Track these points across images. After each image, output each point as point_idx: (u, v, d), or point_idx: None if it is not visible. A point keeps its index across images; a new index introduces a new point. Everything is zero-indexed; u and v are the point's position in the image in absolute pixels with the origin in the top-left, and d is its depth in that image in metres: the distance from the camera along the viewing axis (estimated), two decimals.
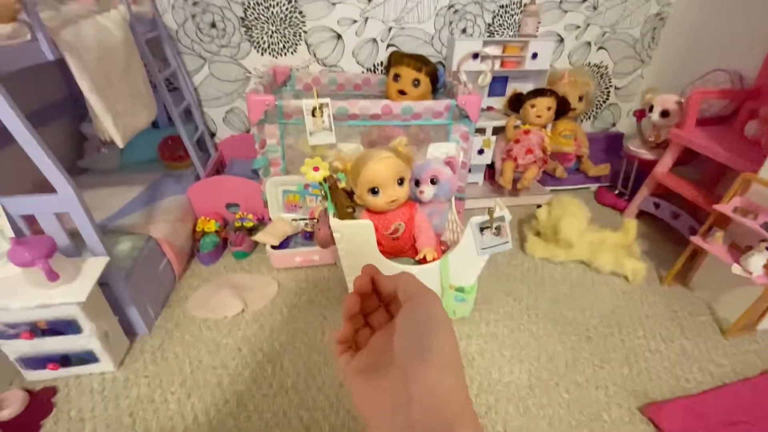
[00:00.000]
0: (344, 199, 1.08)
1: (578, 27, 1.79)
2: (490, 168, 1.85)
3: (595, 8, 1.76)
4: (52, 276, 0.82)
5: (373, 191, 1.05)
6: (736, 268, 1.08)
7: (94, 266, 0.92)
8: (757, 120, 1.31)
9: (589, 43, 1.84)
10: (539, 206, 1.56)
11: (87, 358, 0.97)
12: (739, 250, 1.12)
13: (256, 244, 1.47)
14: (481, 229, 1.00)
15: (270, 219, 1.47)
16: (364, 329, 0.32)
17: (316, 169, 1.01)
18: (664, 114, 1.53)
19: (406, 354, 0.23)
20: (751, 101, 1.40)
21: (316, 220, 1.40)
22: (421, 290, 0.27)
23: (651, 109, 1.57)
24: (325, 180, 1.03)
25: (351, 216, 1.11)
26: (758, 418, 0.94)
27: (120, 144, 1.06)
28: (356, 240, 1.01)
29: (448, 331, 0.25)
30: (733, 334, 1.14)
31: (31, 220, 0.92)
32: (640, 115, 1.71)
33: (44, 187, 0.87)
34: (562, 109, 1.64)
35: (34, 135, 0.79)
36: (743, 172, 1.13)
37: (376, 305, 0.32)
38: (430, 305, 0.25)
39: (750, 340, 1.14)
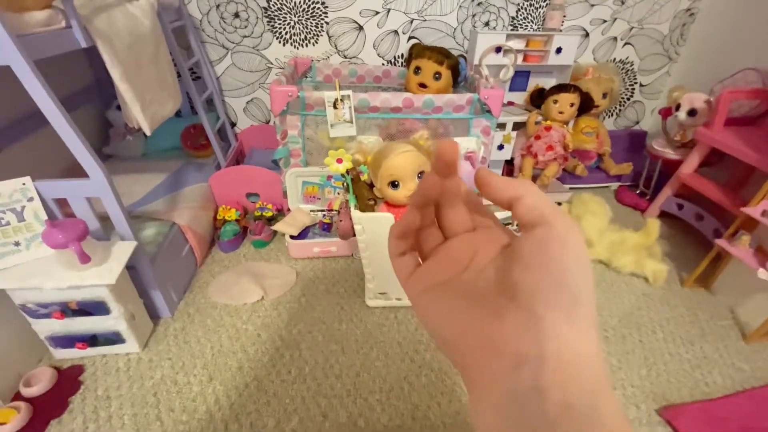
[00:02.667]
0: (366, 192, 1.08)
1: (605, 21, 1.75)
2: (509, 164, 1.84)
3: (622, 2, 1.71)
4: (84, 258, 0.85)
5: (393, 184, 1.06)
6: (762, 273, 1.05)
7: (122, 250, 0.94)
8: None
9: (615, 39, 1.80)
10: (559, 204, 1.55)
11: (114, 338, 1.00)
12: (765, 254, 1.10)
13: (275, 233, 1.49)
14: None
15: (289, 209, 1.49)
16: (432, 230, 0.24)
17: (339, 160, 1.02)
18: (692, 113, 1.49)
19: (542, 298, 0.17)
20: None
21: (337, 212, 1.42)
22: (559, 215, 0.19)
23: (678, 107, 1.53)
24: (347, 172, 1.04)
25: (372, 208, 1.11)
26: None
27: (148, 132, 1.08)
28: (377, 232, 1.02)
29: (592, 278, 0.18)
30: (756, 340, 1.12)
31: (62, 203, 0.95)
32: (665, 113, 1.67)
33: (72, 172, 0.90)
34: (586, 105, 1.61)
35: (68, 120, 0.82)
36: None
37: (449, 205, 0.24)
38: (574, 237, 0.19)
39: None
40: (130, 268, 1.02)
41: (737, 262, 1.19)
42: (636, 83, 1.95)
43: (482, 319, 0.19)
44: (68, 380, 0.97)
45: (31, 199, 0.88)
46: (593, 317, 0.18)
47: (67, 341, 0.98)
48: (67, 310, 0.92)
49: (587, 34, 1.78)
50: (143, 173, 1.47)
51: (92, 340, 0.99)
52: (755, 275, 1.06)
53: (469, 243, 0.23)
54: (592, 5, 1.71)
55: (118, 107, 1.53)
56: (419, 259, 0.25)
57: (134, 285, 1.03)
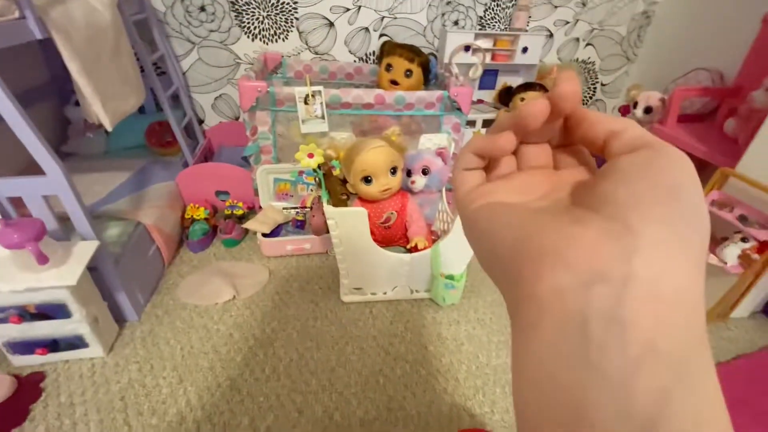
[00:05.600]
0: (338, 187, 1.09)
1: (567, 23, 1.82)
2: None
3: (584, 5, 1.79)
4: (42, 259, 0.81)
5: (366, 180, 1.07)
6: (712, 259, 1.13)
7: (83, 250, 0.90)
8: (736, 118, 1.36)
9: (577, 39, 1.88)
10: None
11: (76, 343, 0.96)
12: (715, 241, 1.18)
13: (246, 232, 1.46)
14: None
15: (260, 207, 1.47)
16: (509, 158, 0.21)
17: (310, 155, 1.02)
18: (648, 110, 1.57)
19: (642, 210, 0.14)
20: (730, 99, 1.45)
21: (309, 209, 1.41)
22: (661, 142, 0.16)
23: (635, 105, 1.61)
24: (319, 167, 1.03)
25: (345, 203, 1.12)
26: (731, 401, 0.99)
27: (108, 127, 1.05)
28: (350, 227, 1.02)
29: (706, 206, 0.15)
30: (708, 321, 1.20)
31: (17, 203, 0.90)
32: (624, 111, 1.75)
33: (28, 170, 0.86)
34: None
35: (22, 114, 0.78)
36: (721, 167, 1.18)
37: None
38: (685, 159, 0.15)
39: (724, 327, 1.20)
40: (93, 269, 0.98)
41: None
42: (597, 82, 2.04)
43: (555, 223, 0.16)
44: (28, 388, 0.92)
45: None
46: (704, 250, 0.14)
47: (26, 347, 0.93)
48: (25, 314, 0.88)
49: (551, 35, 1.84)
50: (106, 171, 1.42)
51: (53, 345, 0.95)
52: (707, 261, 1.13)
53: (549, 177, 0.20)
54: (556, 7, 1.77)
55: (77, 103, 1.46)
56: (484, 178, 0.21)
57: (97, 287, 0.99)
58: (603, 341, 0.12)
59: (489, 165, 0.21)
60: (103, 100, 1.01)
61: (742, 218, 1.09)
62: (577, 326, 0.13)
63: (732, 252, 1.09)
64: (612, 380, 0.12)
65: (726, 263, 1.10)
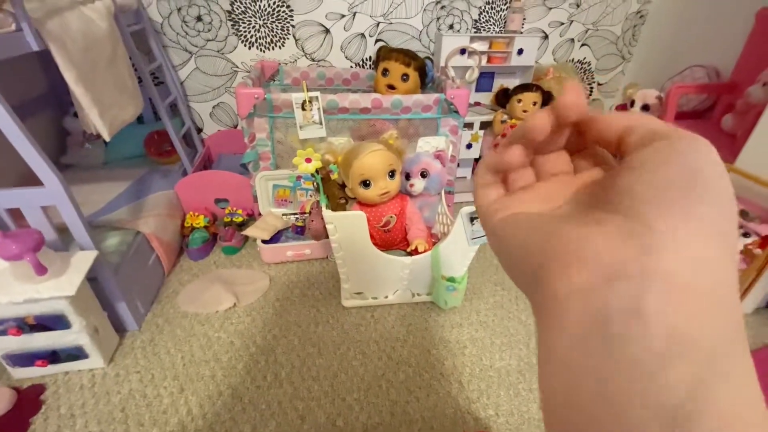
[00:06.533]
0: (337, 191, 1.09)
1: (562, 24, 1.83)
2: (477, 162, 1.88)
3: (578, 6, 1.79)
4: (41, 270, 0.80)
5: (365, 183, 1.06)
6: None
7: (82, 260, 0.90)
8: (733, 113, 1.36)
9: (572, 40, 1.88)
10: None
11: (76, 354, 0.95)
12: None
13: (246, 239, 1.46)
14: (471, 219, 1.02)
15: (260, 214, 1.47)
16: (524, 170, 0.21)
17: (308, 160, 1.02)
18: (645, 108, 1.57)
19: (658, 201, 0.14)
20: (727, 95, 1.46)
21: (308, 214, 1.41)
22: (677, 129, 0.16)
23: (632, 103, 1.61)
24: (317, 171, 1.03)
25: (343, 208, 1.12)
26: None
27: (106, 137, 1.05)
28: (349, 231, 1.02)
29: (731, 186, 0.14)
30: None
31: (16, 214, 0.90)
32: (621, 109, 1.75)
33: (26, 181, 0.86)
34: (548, 104, 1.67)
35: (20, 126, 0.78)
36: None
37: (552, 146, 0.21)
38: (704, 143, 0.15)
39: None
40: (92, 279, 0.97)
41: None
42: (594, 82, 2.04)
43: (574, 226, 0.16)
44: (29, 400, 0.91)
45: None
46: (731, 233, 0.14)
47: (26, 359, 0.93)
48: (24, 326, 0.87)
49: (546, 36, 1.85)
50: (105, 182, 1.42)
51: (53, 356, 0.94)
52: None
53: (569, 183, 0.20)
54: (550, 8, 1.78)
55: (75, 114, 1.47)
56: (503, 192, 0.22)
57: (97, 297, 0.99)
58: (626, 336, 0.12)
59: (508, 178, 0.22)
60: (101, 110, 1.01)
61: (743, 213, 1.09)
62: (599, 323, 0.13)
63: None
64: (638, 372, 0.12)
65: None
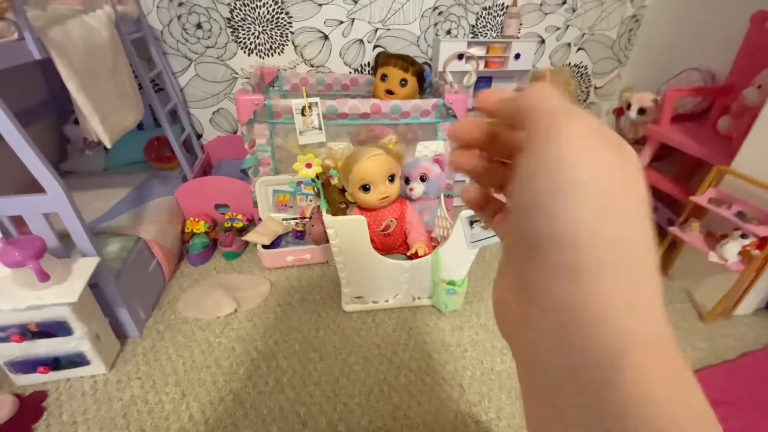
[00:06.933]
0: (337, 196, 1.09)
1: (558, 28, 1.85)
2: None
3: (573, 10, 1.81)
4: (43, 276, 0.81)
5: (365, 188, 1.07)
6: (712, 256, 1.13)
7: (84, 266, 0.91)
8: (729, 116, 1.38)
9: (569, 44, 1.90)
10: None
11: (78, 360, 0.95)
12: (714, 238, 1.18)
13: (246, 244, 1.46)
14: (471, 223, 1.03)
15: (260, 219, 1.47)
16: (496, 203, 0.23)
17: (308, 165, 1.02)
18: (641, 112, 1.58)
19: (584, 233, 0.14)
20: (723, 98, 1.47)
21: (308, 219, 1.41)
22: (547, 114, 0.15)
23: (629, 107, 1.62)
24: (317, 176, 1.04)
25: (344, 212, 1.12)
26: (737, 399, 0.99)
27: (108, 144, 1.05)
28: (349, 236, 1.02)
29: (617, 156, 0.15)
30: (711, 320, 1.20)
31: (18, 221, 0.90)
32: (618, 113, 1.76)
33: (28, 188, 0.87)
34: None
35: (22, 134, 0.78)
36: (717, 165, 1.18)
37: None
38: (573, 149, 0.14)
39: (727, 325, 1.19)
40: (94, 285, 0.98)
41: (690, 248, 1.26)
42: (591, 86, 2.06)
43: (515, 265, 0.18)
44: (31, 407, 0.91)
45: None
46: (640, 203, 0.15)
47: (28, 366, 0.93)
48: (27, 333, 0.87)
49: (543, 41, 1.87)
50: (105, 188, 1.42)
51: (55, 363, 0.94)
52: (707, 259, 1.13)
53: None
54: (546, 13, 1.80)
55: (76, 121, 1.48)
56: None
57: (98, 303, 0.99)
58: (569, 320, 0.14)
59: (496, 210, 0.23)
60: (102, 117, 1.02)
61: (740, 215, 1.10)
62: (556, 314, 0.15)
63: (732, 249, 1.09)
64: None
65: (726, 260, 1.10)
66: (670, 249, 1.34)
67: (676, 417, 0.13)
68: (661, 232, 1.37)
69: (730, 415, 0.97)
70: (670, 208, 1.48)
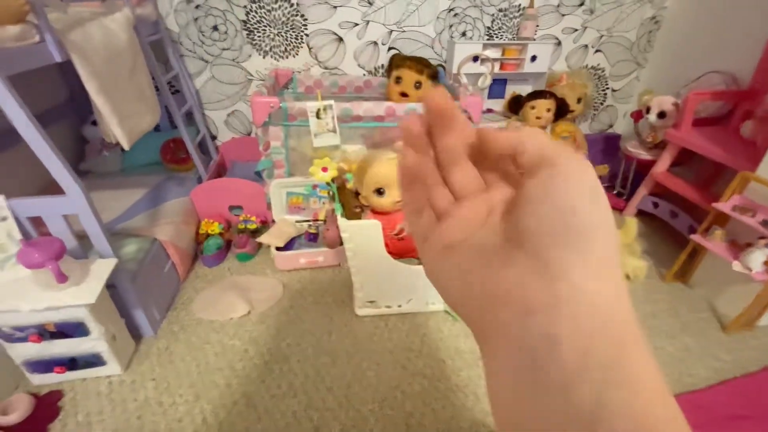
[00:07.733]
0: (352, 199, 1.09)
1: (575, 30, 1.82)
2: None
3: (592, 12, 1.78)
4: (61, 278, 0.81)
5: (379, 192, 1.06)
6: (736, 265, 1.09)
7: (102, 268, 0.91)
8: (753, 120, 1.34)
9: (586, 46, 1.87)
10: None
11: (94, 361, 0.96)
12: (738, 247, 1.15)
13: (259, 246, 1.47)
14: None
15: (273, 221, 1.47)
16: (440, 189, 0.22)
17: (324, 169, 1.02)
18: (661, 115, 1.55)
19: (549, 240, 0.16)
20: (745, 102, 1.43)
21: (323, 222, 1.41)
22: (563, 152, 0.17)
23: (648, 110, 1.59)
24: (333, 180, 1.04)
25: (358, 216, 1.12)
26: (762, 414, 0.96)
27: (126, 146, 1.06)
28: (364, 240, 1.01)
29: (608, 214, 0.16)
30: (734, 330, 1.16)
31: (37, 221, 0.91)
32: (637, 116, 1.73)
33: (47, 191, 0.87)
34: (562, 110, 1.66)
35: (43, 135, 0.79)
36: (741, 171, 1.15)
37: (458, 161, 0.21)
38: (581, 171, 0.17)
39: (750, 335, 1.16)
40: (110, 286, 0.98)
41: (712, 256, 1.23)
42: (608, 88, 2.02)
43: (489, 270, 0.18)
44: (47, 407, 0.92)
45: (4, 218, 0.85)
46: (613, 257, 0.16)
47: (45, 366, 0.94)
48: (45, 333, 0.88)
49: (560, 43, 1.84)
50: (122, 189, 1.44)
51: (71, 363, 0.95)
52: (730, 268, 1.10)
53: (483, 202, 0.21)
54: (563, 15, 1.77)
55: (94, 123, 1.50)
56: (434, 220, 0.22)
57: (115, 304, 1.00)
58: (544, 360, 0.14)
59: (430, 201, 0.22)
60: (121, 120, 1.03)
61: (765, 223, 1.06)
62: (523, 351, 0.15)
63: (757, 258, 1.06)
64: (554, 392, 0.14)
65: (751, 270, 1.07)
66: (691, 257, 1.31)
67: None
68: (682, 240, 1.34)
69: (754, 430, 0.94)
70: (691, 215, 1.45)
